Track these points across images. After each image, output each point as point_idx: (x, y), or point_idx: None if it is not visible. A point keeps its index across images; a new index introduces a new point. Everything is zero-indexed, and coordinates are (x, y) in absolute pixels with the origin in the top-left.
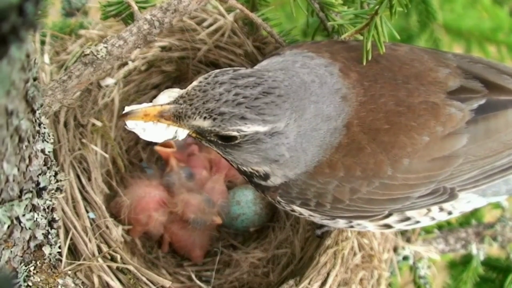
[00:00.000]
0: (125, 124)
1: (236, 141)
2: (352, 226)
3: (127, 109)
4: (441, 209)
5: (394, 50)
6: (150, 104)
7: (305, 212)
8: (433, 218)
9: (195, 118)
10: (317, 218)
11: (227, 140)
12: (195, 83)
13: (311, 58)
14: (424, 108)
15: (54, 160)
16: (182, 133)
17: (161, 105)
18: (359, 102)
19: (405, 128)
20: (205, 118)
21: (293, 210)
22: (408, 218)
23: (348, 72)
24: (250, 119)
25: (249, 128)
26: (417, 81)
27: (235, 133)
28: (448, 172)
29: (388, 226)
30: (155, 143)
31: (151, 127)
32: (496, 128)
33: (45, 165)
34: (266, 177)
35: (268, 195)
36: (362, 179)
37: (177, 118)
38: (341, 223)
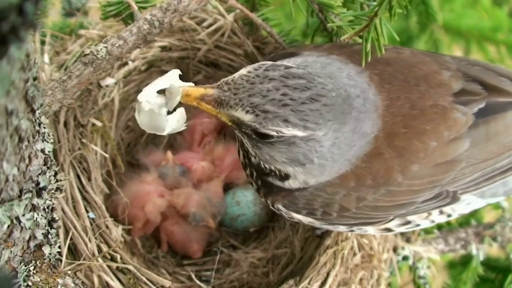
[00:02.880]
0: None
1: (271, 140)
2: (352, 230)
3: (153, 84)
4: (441, 212)
5: (400, 53)
6: (191, 84)
7: (305, 220)
8: (432, 221)
9: (236, 109)
10: (317, 224)
11: (262, 137)
12: (243, 71)
13: (346, 63)
14: (435, 111)
15: (54, 160)
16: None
17: (205, 87)
18: (385, 107)
19: (418, 133)
20: (247, 112)
21: (292, 218)
22: (408, 222)
23: (372, 76)
24: (293, 123)
25: (289, 131)
26: (426, 83)
27: (273, 133)
28: (451, 176)
29: (388, 230)
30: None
31: (155, 115)
32: (496, 131)
33: (45, 165)
34: (286, 177)
35: (269, 198)
36: (372, 187)
37: (218, 104)
38: (342, 228)
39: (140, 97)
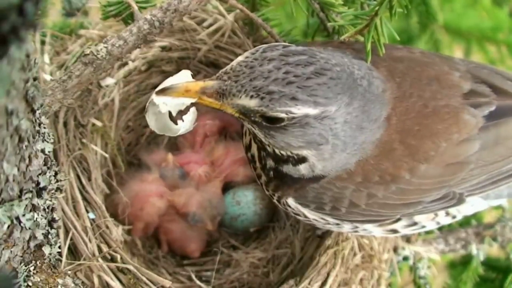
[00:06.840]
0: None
1: (282, 124)
2: (357, 231)
3: (163, 84)
4: (447, 214)
5: (412, 52)
6: (191, 79)
7: (311, 215)
8: (438, 223)
9: (240, 97)
10: (320, 224)
11: (273, 122)
12: (240, 58)
13: (348, 54)
14: (447, 112)
15: (54, 160)
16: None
17: (204, 80)
18: (395, 97)
19: (431, 132)
20: (251, 96)
21: (297, 214)
22: (415, 223)
23: (379, 68)
24: (302, 100)
25: (300, 110)
26: (438, 83)
27: (283, 115)
28: (460, 177)
29: (394, 231)
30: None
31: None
32: (506, 134)
33: (45, 165)
34: (302, 160)
35: (278, 192)
36: (379, 184)
37: (220, 95)
38: (347, 228)
39: (156, 99)
